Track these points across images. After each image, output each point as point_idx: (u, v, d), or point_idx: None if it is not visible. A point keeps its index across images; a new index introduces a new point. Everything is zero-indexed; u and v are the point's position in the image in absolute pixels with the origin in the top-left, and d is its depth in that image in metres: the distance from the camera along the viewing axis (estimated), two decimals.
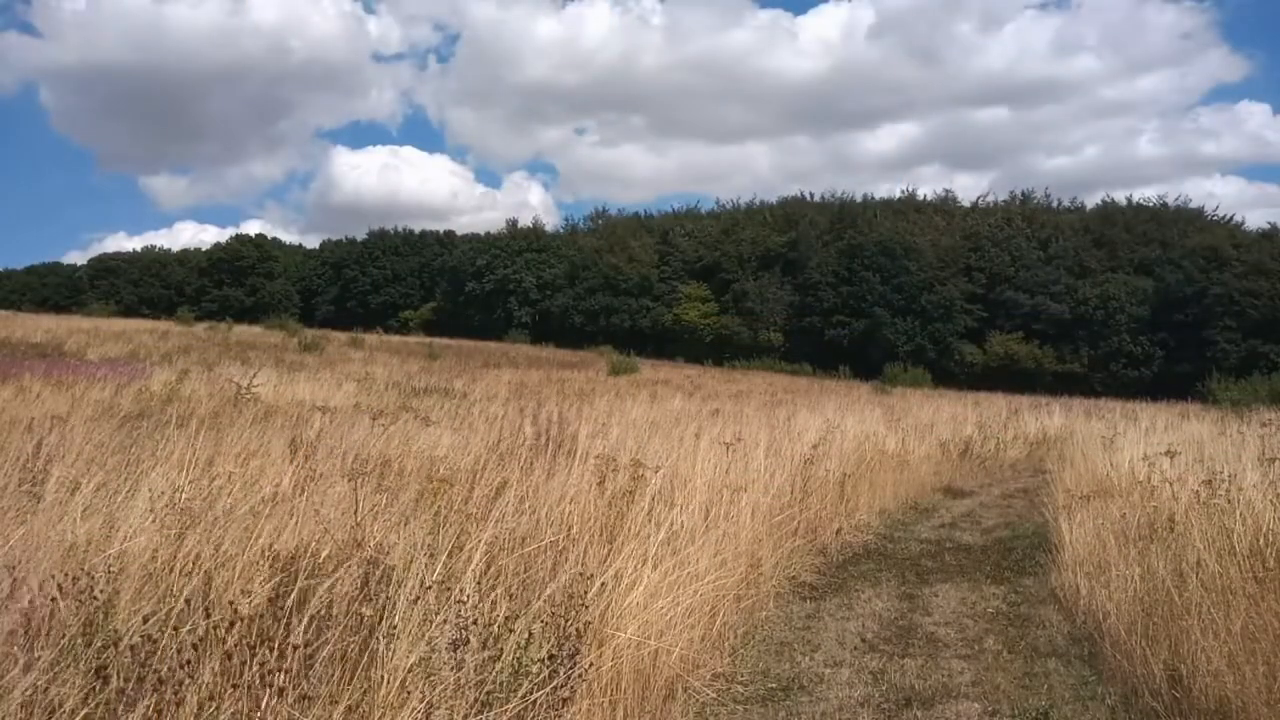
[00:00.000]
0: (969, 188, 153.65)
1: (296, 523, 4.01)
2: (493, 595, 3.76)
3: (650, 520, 5.23)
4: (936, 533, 9.94)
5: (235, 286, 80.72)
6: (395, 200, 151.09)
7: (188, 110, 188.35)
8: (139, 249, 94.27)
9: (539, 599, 3.78)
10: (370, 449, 6.84)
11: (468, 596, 3.52)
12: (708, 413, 14.40)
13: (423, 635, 3.18)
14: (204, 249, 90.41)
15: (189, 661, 2.75)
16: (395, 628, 3.18)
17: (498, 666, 3.36)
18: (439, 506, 4.71)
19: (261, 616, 3.09)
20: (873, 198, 75.40)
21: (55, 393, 13.46)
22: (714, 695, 4.73)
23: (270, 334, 45.20)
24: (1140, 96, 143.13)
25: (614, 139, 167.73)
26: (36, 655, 2.76)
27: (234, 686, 2.75)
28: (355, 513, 4.21)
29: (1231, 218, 65.04)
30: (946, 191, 76.65)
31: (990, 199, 72.44)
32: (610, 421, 9.67)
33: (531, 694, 3.33)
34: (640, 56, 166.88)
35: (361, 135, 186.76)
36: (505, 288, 72.22)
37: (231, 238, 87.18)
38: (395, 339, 51.93)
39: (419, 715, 3.01)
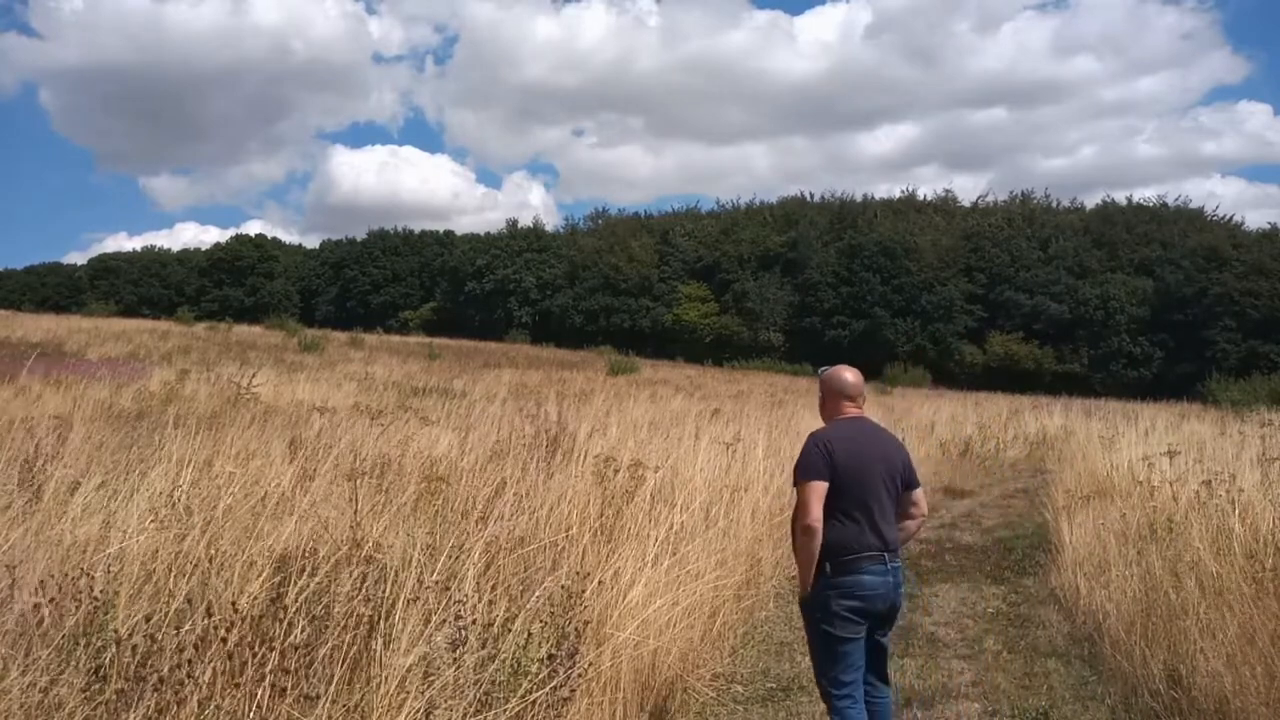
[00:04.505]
0: (967, 189, 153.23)
1: (296, 523, 4.01)
2: (492, 595, 3.77)
3: (650, 520, 5.24)
4: (936, 533, 9.93)
5: (235, 286, 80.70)
6: (396, 200, 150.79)
7: (188, 110, 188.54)
8: (139, 249, 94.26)
9: (538, 598, 3.79)
10: (370, 449, 6.84)
11: (467, 596, 3.53)
12: (708, 413, 14.39)
13: (422, 635, 3.19)
14: (204, 249, 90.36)
15: (189, 661, 2.75)
16: (394, 627, 3.18)
17: (497, 666, 3.36)
18: (438, 506, 4.72)
19: (261, 616, 3.09)
20: (872, 198, 75.16)
21: (55, 393, 13.45)
22: (714, 695, 4.73)
23: (270, 334, 45.15)
24: (1140, 97, 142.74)
25: (613, 140, 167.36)
26: (36, 655, 2.76)
27: (234, 686, 2.75)
28: (354, 512, 4.21)
29: (1231, 218, 65.02)
30: (946, 191, 76.57)
31: (990, 199, 72.43)
32: (610, 421, 9.66)
33: (531, 693, 3.33)
34: (638, 57, 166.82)
35: (361, 137, 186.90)
36: (505, 288, 72.17)
37: (231, 238, 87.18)
38: (395, 339, 51.87)
39: (418, 715, 3.01)
